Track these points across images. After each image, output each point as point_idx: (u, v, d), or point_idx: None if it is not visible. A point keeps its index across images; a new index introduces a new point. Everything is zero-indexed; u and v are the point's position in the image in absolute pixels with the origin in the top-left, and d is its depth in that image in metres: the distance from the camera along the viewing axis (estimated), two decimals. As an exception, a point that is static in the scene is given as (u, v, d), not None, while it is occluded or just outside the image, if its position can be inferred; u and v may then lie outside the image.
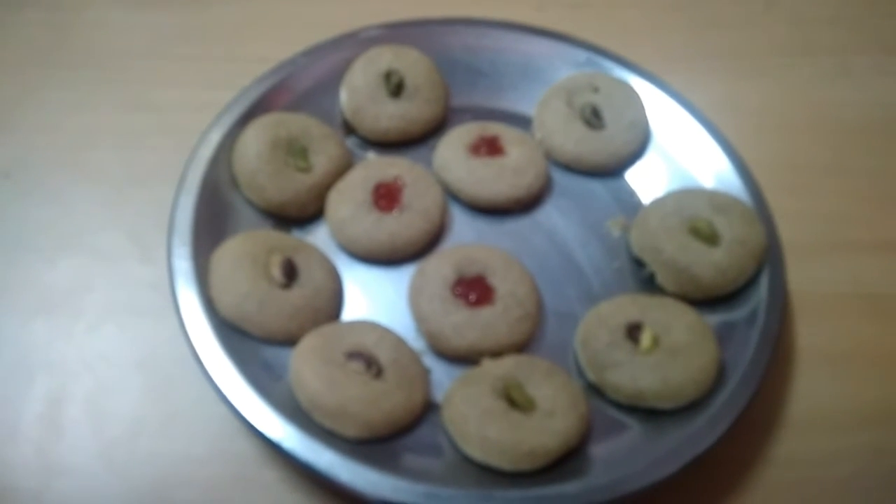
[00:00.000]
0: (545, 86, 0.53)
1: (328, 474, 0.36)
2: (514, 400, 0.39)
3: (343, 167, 0.48)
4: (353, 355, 0.39)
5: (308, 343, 0.40)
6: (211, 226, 0.45)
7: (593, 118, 0.51)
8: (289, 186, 0.46)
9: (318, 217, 0.48)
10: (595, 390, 0.42)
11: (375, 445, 0.38)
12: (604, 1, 0.63)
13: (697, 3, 0.64)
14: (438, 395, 0.41)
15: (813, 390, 0.45)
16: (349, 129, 0.52)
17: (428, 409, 0.41)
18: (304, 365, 0.38)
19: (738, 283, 0.44)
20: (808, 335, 0.46)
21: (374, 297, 0.45)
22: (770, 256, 0.45)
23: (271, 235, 0.44)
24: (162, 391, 0.43)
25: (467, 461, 0.38)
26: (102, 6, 0.61)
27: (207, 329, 0.40)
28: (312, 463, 0.36)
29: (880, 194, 0.53)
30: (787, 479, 0.42)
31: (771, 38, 0.62)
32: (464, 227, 0.49)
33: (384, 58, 0.52)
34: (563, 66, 0.54)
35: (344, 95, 0.51)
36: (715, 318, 0.44)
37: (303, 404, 0.38)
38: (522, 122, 0.53)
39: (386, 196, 0.47)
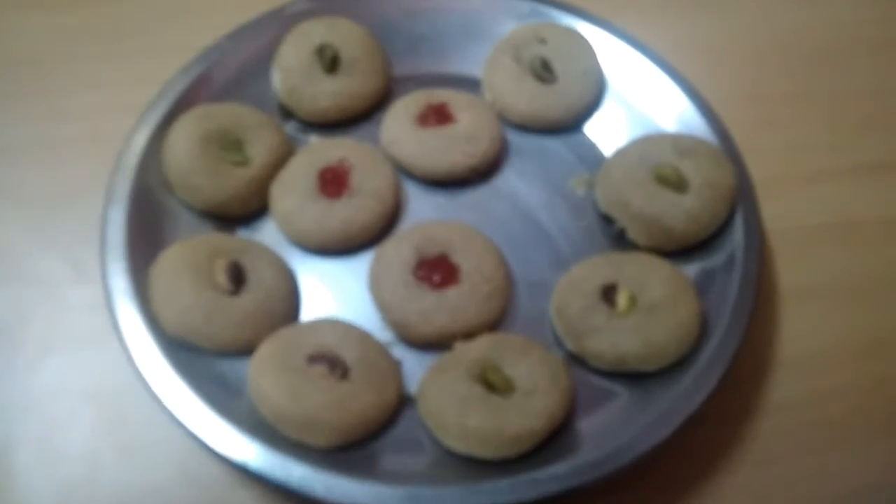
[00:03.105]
0: (490, 43, 0.50)
1: (302, 490, 0.34)
2: (492, 383, 0.36)
3: (283, 156, 0.45)
4: (315, 358, 0.36)
5: (265, 351, 0.37)
6: (147, 236, 0.42)
7: (544, 72, 0.48)
8: (226, 184, 0.43)
9: (263, 212, 0.45)
10: (576, 360, 0.40)
11: (350, 451, 0.36)
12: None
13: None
14: (413, 388, 0.39)
15: (800, 330, 0.43)
16: (286, 113, 0.48)
17: (403, 404, 0.38)
18: (263, 375, 0.36)
19: (712, 228, 0.42)
20: (790, 273, 0.45)
21: (332, 292, 0.42)
22: (742, 196, 0.43)
23: (212, 239, 0.41)
24: (116, 421, 0.40)
25: (450, 454, 0.36)
26: (2, 13, 0.56)
27: (154, 349, 0.37)
28: (284, 481, 0.34)
29: (849, 117, 0.51)
30: (783, 425, 0.41)
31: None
32: (420, 204, 0.46)
33: (315, 32, 0.48)
34: (507, 20, 0.51)
35: (276, 77, 0.48)
36: (692, 268, 0.42)
37: (266, 418, 0.36)
38: (471, 84, 0.50)
39: (333, 181, 0.44)
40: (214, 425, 0.35)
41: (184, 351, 0.38)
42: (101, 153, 0.44)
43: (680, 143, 0.43)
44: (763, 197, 0.43)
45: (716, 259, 0.42)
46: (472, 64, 0.51)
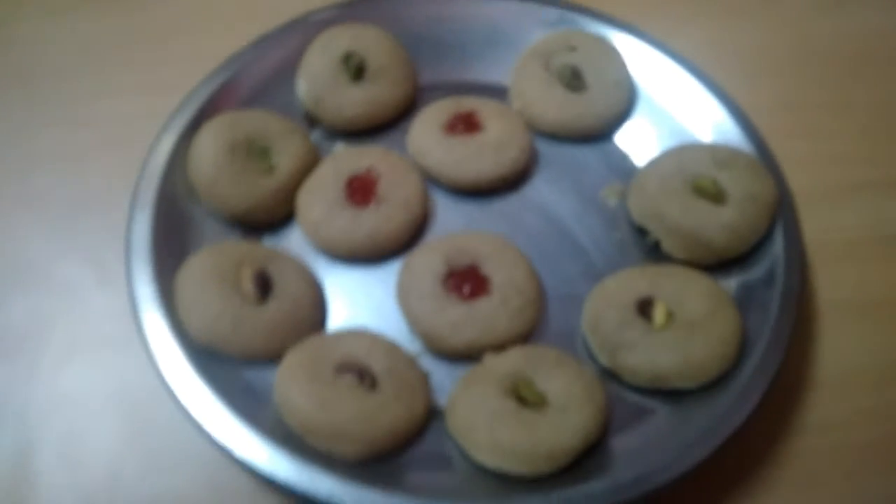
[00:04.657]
0: (518, 51, 0.50)
1: (330, 503, 0.33)
2: (524, 397, 0.35)
3: (309, 164, 0.44)
4: (344, 368, 0.36)
5: (292, 360, 0.36)
6: (172, 243, 0.41)
7: (574, 80, 0.47)
8: (252, 192, 0.42)
9: (289, 220, 0.44)
10: (610, 375, 0.38)
11: (378, 464, 0.35)
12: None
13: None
14: (441, 400, 0.38)
15: (841, 347, 0.42)
16: (312, 121, 0.48)
17: (431, 417, 0.37)
18: (291, 385, 0.35)
19: (752, 241, 0.40)
20: (831, 288, 0.43)
21: (359, 301, 0.42)
22: (782, 208, 0.41)
23: (239, 247, 0.40)
24: (139, 428, 0.39)
25: (480, 470, 0.35)
26: (26, 20, 0.56)
27: (180, 356, 0.36)
28: (311, 492, 0.33)
29: (888, 128, 0.49)
30: (822, 445, 0.39)
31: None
32: (449, 213, 0.45)
33: (341, 39, 0.48)
34: (535, 27, 0.50)
35: (302, 85, 0.47)
36: (731, 282, 0.41)
37: (294, 428, 0.35)
38: (498, 92, 0.49)
39: (360, 190, 0.43)
40: (241, 435, 0.34)
41: (209, 358, 0.37)
42: (124, 160, 0.44)
43: (718, 155, 0.42)
44: (802, 209, 0.42)
45: (754, 273, 0.40)
46: (499, 72, 0.50)
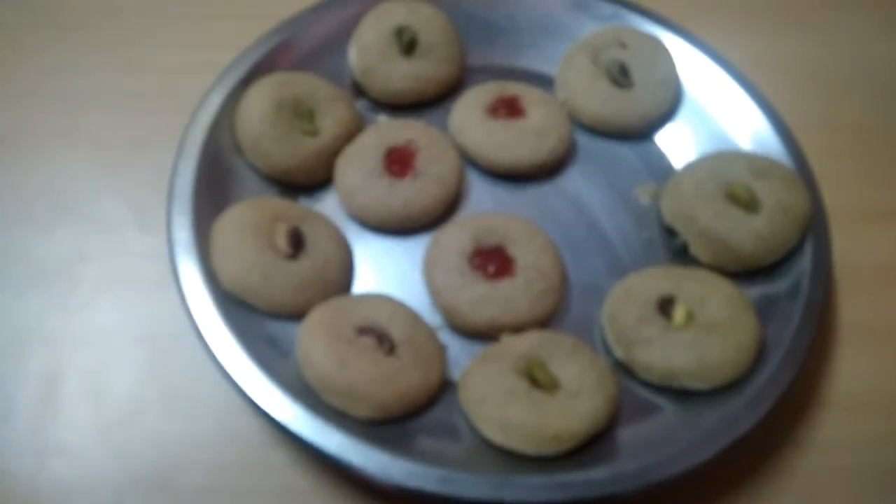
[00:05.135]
0: (568, 42, 0.50)
1: (338, 457, 0.34)
2: (537, 379, 0.36)
3: (352, 131, 0.45)
4: (365, 330, 0.36)
5: (316, 317, 0.37)
6: (212, 193, 0.42)
7: (621, 76, 0.48)
8: (295, 151, 0.43)
9: (326, 184, 0.45)
10: (624, 369, 0.39)
11: (388, 427, 0.36)
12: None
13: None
14: (455, 374, 0.39)
15: (857, 370, 0.42)
16: (359, 90, 0.49)
17: (444, 389, 0.38)
18: (313, 341, 0.36)
19: (780, 252, 0.41)
20: (854, 310, 0.43)
21: (386, 270, 0.42)
22: (814, 224, 0.41)
23: (276, 203, 0.41)
24: (163, 367, 0.41)
25: (486, 444, 0.36)
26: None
27: (209, 302, 0.38)
28: (322, 446, 0.34)
29: (930, 158, 0.49)
30: (827, 464, 0.39)
31: (811, -10, 0.57)
32: (482, 194, 0.46)
33: (396, 13, 0.48)
34: (588, 20, 0.51)
35: (353, 54, 0.48)
36: (754, 292, 0.41)
37: (311, 383, 0.36)
38: (544, 81, 0.49)
39: (398, 161, 0.44)
40: (260, 382, 0.35)
41: (237, 308, 0.38)
42: (174, 109, 0.45)
43: (755, 164, 0.42)
44: (834, 228, 0.42)
45: (780, 285, 0.41)
46: (547, 61, 0.50)
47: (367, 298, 0.39)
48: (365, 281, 0.42)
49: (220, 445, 0.39)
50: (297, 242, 0.39)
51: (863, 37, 0.55)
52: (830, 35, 0.55)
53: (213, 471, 0.38)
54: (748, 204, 0.40)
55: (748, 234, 0.40)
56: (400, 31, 0.47)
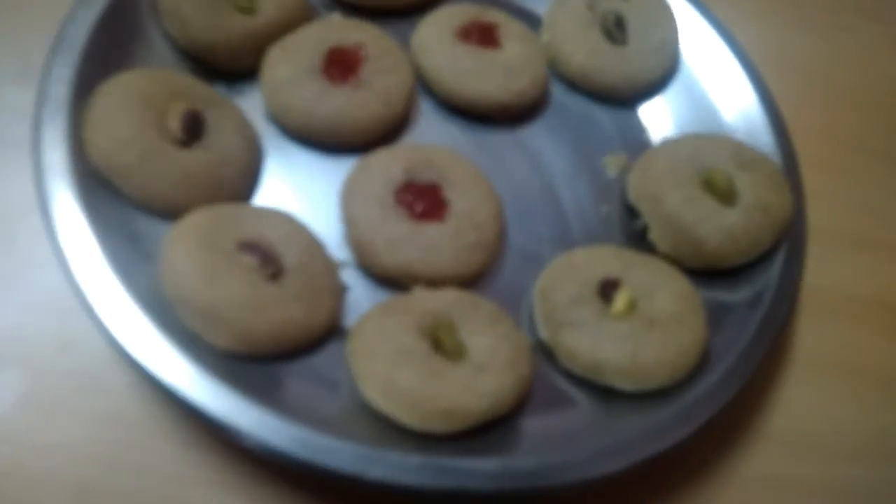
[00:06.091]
0: (568, -19, 0.43)
1: (176, 390, 0.28)
2: (441, 343, 0.30)
3: (296, 19, 0.38)
4: (249, 246, 0.30)
5: (194, 219, 0.30)
6: (110, 53, 0.35)
7: (616, 29, 0.42)
8: (220, 25, 0.36)
9: (252, 76, 0.38)
10: (546, 352, 0.33)
11: (252, 365, 0.30)
12: None
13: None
14: (352, 321, 0.33)
15: (802, 404, 0.37)
16: (318, -22, 0.42)
17: (332, 335, 0.32)
18: (180, 244, 0.29)
19: (748, 256, 0.35)
20: (812, 338, 0.39)
21: (299, 186, 0.36)
22: (792, 233, 0.36)
23: (182, 80, 0.35)
24: (2, 247, 0.34)
25: (366, 409, 0.30)
26: None
27: (68, 177, 0.31)
28: (157, 375, 0.28)
29: (930, 194, 0.44)
30: (753, 501, 0.34)
31: (841, -9, 0.52)
32: (431, 125, 0.39)
33: None
34: (595, -39, 0.44)
35: (320, -66, 0.41)
36: (709, 295, 0.35)
37: (168, 294, 0.29)
38: (531, 19, 0.43)
39: (340, 64, 0.37)
40: (106, 283, 0.29)
41: (103, 190, 0.31)
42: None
43: (741, 154, 0.37)
44: (811, 246, 0.37)
45: (740, 294, 0.36)
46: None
47: (263, 212, 0.32)
48: (270, 194, 0.35)
49: (52, 349, 0.32)
50: (192, 128, 0.32)
51: (878, 51, 0.50)
52: (845, 43, 0.50)
53: (37, 372, 0.31)
54: (725, 194, 0.35)
55: (717, 227, 0.34)
56: (379, -80, 0.41)
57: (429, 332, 0.31)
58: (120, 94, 0.32)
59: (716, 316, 0.35)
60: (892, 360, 0.38)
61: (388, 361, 0.29)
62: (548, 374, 0.33)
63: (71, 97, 0.33)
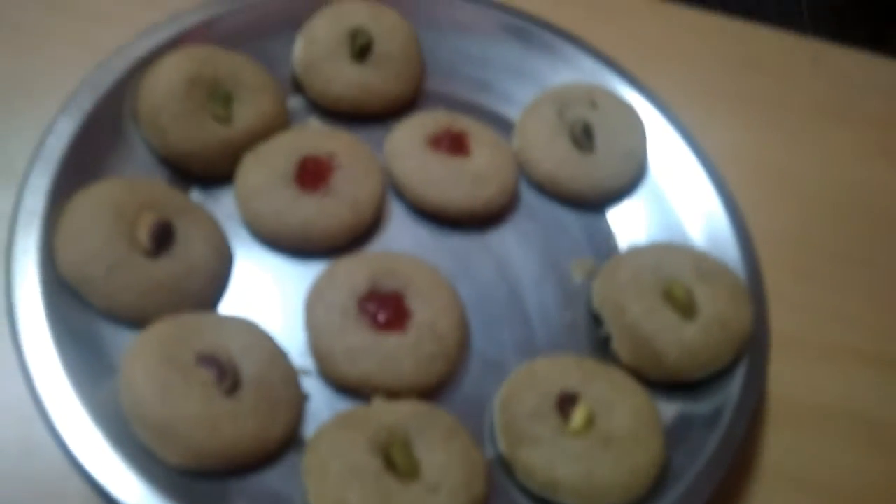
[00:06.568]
0: (539, 90, 0.45)
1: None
2: (394, 462, 0.30)
3: (272, 127, 0.40)
4: (207, 360, 0.31)
5: (155, 332, 0.31)
6: (89, 163, 0.37)
7: (583, 137, 0.43)
8: (196, 134, 0.38)
9: (228, 180, 0.39)
10: (504, 466, 0.33)
11: (205, 482, 0.30)
12: (626, 8, 0.55)
13: (740, 38, 0.55)
14: (311, 431, 0.32)
15: (769, 522, 0.36)
16: (298, 86, 0.43)
17: (290, 446, 0.32)
18: (138, 358, 0.30)
19: (707, 370, 0.36)
20: (780, 452, 0.38)
21: (267, 290, 0.37)
22: (752, 348, 0.37)
23: (156, 189, 0.36)
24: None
25: (318, 527, 0.30)
26: None
27: (36, 284, 0.32)
28: (109, 490, 0.28)
29: (897, 301, 0.45)
30: None
31: (809, 96, 0.53)
32: (401, 230, 0.40)
33: (357, 13, 0.43)
34: (565, 70, 0.46)
35: (298, 46, 0.43)
36: (671, 408, 0.36)
37: (125, 408, 0.30)
38: (502, 125, 0.45)
39: (312, 173, 0.38)
40: (64, 395, 0.29)
41: (70, 298, 0.32)
42: (83, 60, 0.39)
43: (703, 264, 0.38)
44: (775, 355, 0.37)
45: (701, 407, 0.35)
46: (511, 104, 0.46)
47: (226, 321, 0.33)
48: (238, 300, 0.36)
49: (10, 453, 0.32)
50: (161, 238, 0.33)
51: (846, 156, 0.51)
52: (814, 147, 0.51)
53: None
54: (684, 307, 0.36)
55: (676, 341, 0.35)
56: (355, 33, 0.43)
57: (383, 449, 0.30)
58: (91, 205, 0.33)
59: (677, 430, 0.34)
60: (863, 475, 0.38)
61: (340, 481, 0.29)
62: (506, 490, 0.33)
63: (46, 206, 0.34)
